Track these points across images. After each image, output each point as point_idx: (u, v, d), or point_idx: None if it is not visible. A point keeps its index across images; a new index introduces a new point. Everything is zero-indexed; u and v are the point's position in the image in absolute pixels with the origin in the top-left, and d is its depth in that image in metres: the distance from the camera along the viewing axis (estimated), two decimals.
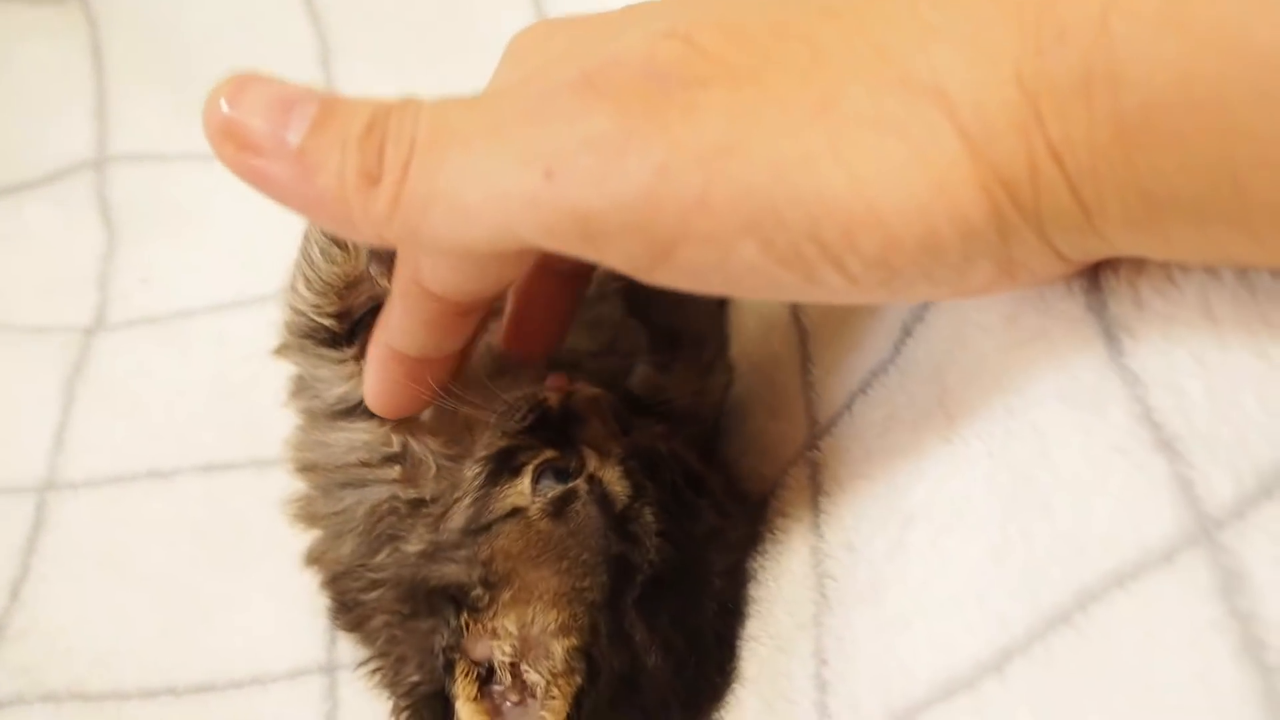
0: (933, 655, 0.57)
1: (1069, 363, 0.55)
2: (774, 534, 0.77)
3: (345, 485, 0.80)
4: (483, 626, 0.70)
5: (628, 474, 0.72)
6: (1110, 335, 0.53)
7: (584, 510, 0.71)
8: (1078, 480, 0.53)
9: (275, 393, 1.05)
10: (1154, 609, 0.47)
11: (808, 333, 0.83)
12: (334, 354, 0.79)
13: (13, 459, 1.05)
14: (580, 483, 0.73)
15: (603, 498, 0.71)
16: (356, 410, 0.80)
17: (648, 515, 0.71)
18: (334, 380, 0.80)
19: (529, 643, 0.69)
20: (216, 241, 1.25)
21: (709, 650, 0.73)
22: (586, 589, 0.69)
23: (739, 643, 0.75)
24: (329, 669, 0.88)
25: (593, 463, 0.74)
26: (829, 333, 0.80)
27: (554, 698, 0.67)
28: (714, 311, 0.91)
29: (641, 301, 0.86)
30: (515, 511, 0.72)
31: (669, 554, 0.70)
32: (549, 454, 0.74)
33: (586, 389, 0.77)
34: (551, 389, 0.77)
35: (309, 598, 0.91)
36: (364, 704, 0.83)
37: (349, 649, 0.88)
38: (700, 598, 0.73)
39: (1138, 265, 0.52)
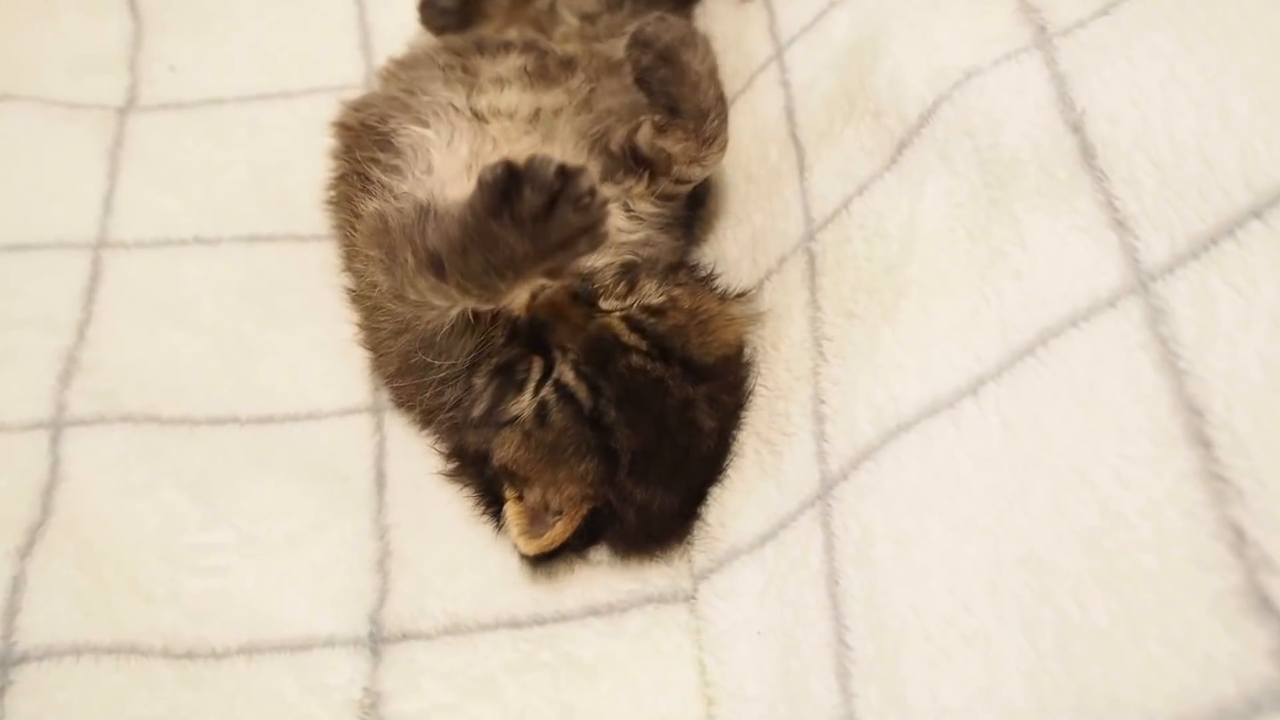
0: (920, 386, 0.74)
1: (1048, 164, 0.71)
2: (774, 311, 0.93)
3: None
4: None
5: (580, 376, 0.86)
6: (1086, 149, 0.69)
7: (559, 415, 0.86)
8: (1045, 253, 0.70)
9: (308, 178, 1.18)
10: (1099, 338, 0.64)
11: (804, 148, 0.98)
12: None
13: (66, 218, 1.15)
14: (548, 391, 0.87)
15: (570, 399, 0.86)
16: None
17: (610, 411, 0.85)
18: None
19: (549, 504, 0.88)
20: (239, 38, 1.35)
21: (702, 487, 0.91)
22: (584, 472, 0.86)
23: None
24: (375, 409, 1.02)
25: (559, 368, 0.87)
26: (826, 149, 0.95)
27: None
28: (718, 96, 0.98)
29: (648, 78, 0.98)
30: (513, 420, 0.88)
31: (642, 435, 0.85)
32: (534, 362, 0.88)
33: (546, 294, 0.88)
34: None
35: (348, 351, 1.05)
36: (410, 440, 0.98)
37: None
38: (687, 456, 0.87)
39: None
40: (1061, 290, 0.68)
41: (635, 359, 0.85)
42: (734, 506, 0.87)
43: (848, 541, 0.75)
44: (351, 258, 1.01)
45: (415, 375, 0.91)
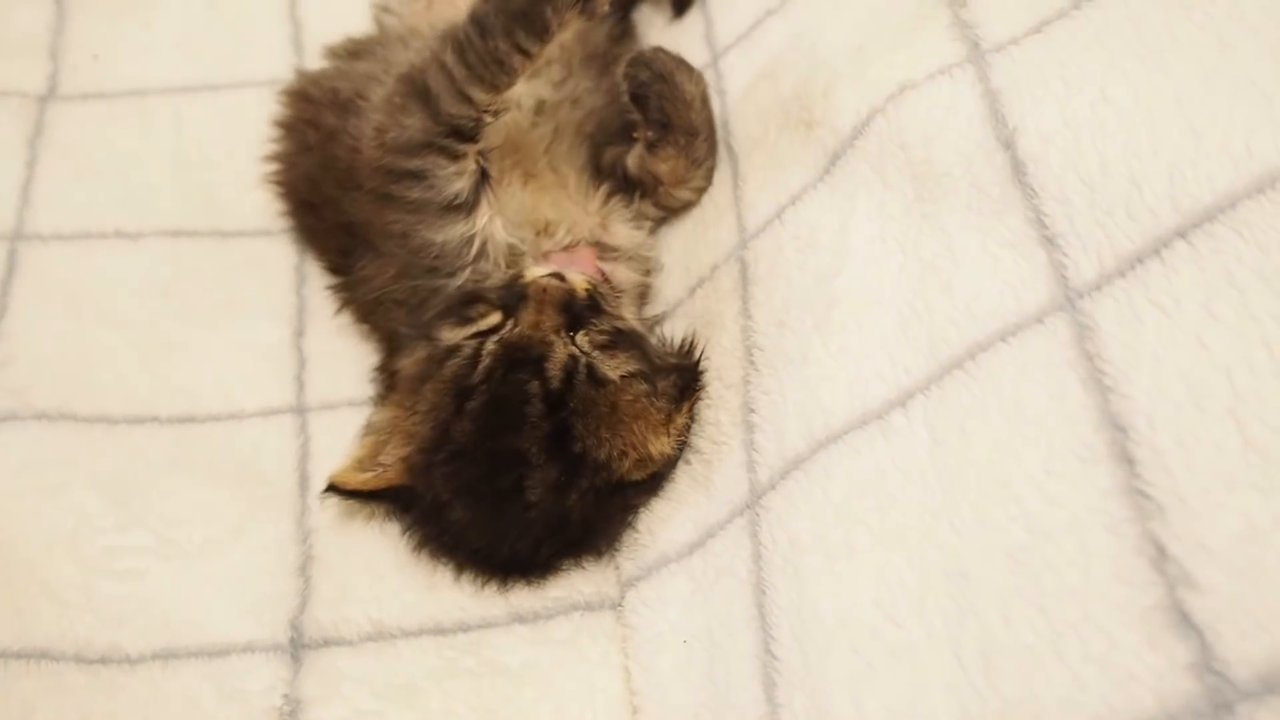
0: (850, 398, 0.74)
1: (979, 179, 0.72)
2: (705, 319, 0.93)
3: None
4: None
5: (495, 356, 0.86)
6: (1017, 166, 0.70)
7: (453, 367, 0.86)
8: (975, 267, 0.71)
9: (233, 173, 1.16)
10: (1027, 353, 0.65)
11: (738, 156, 0.99)
12: (460, 148, 0.91)
13: None
14: (472, 341, 0.87)
15: (472, 363, 0.86)
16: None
17: (475, 401, 0.84)
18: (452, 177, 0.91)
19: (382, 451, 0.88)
20: (165, 27, 1.31)
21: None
22: (420, 434, 0.86)
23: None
24: (299, 410, 1.01)
25: (499, 334, 0.87)
26: (760, 157, 0.95)
27: None
28: (708, 120, 1.02)
29: (642, 94, 0.99)
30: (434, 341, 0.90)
31: (473, 443, 0.84)
32: (491, 314, 0.89)
33: (547, 281, 0.89)
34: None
35: (272, 351, 1.03)
36: (334, 441, 0.96)
37: (318, 394, 1.01)
38: (496, 500, 0.84)
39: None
40: (991, 306, 0.69)
41: (532, 385, 0.84)
42: (663, 514, 0.87)
43: (775, 552, 0.75)
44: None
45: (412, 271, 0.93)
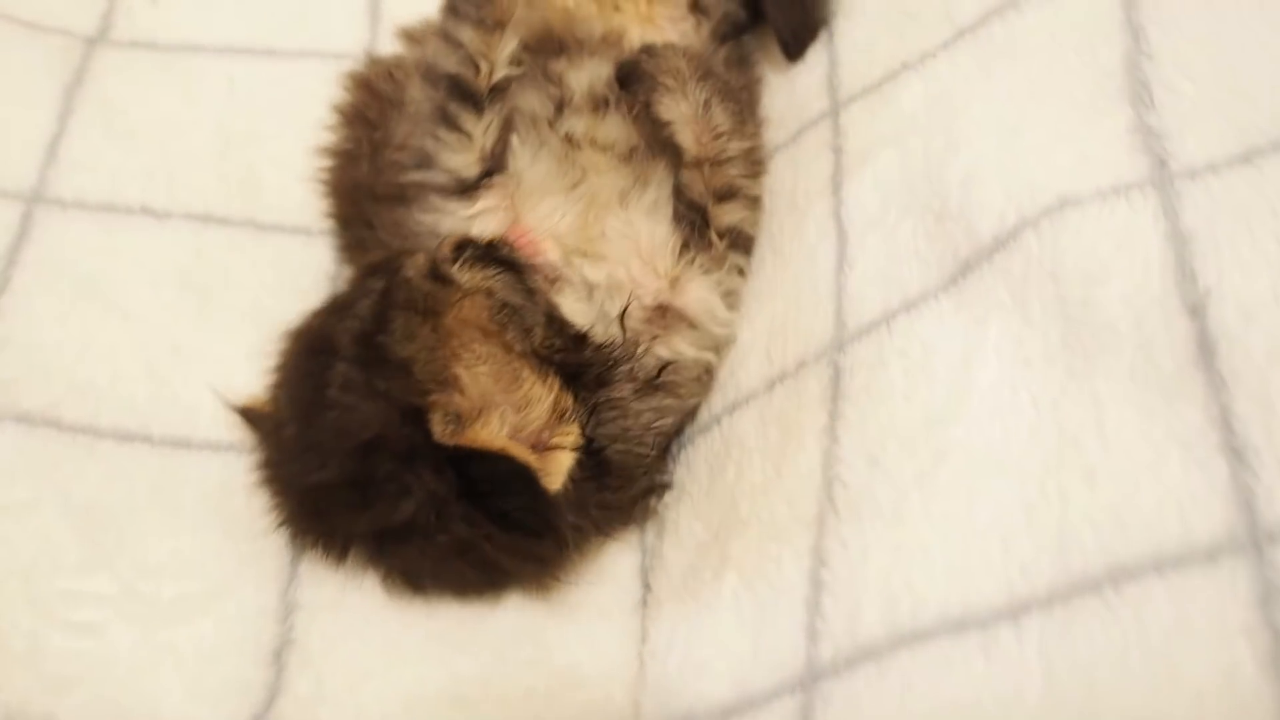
0: (947, 587, 0.60)
1: (1152, 346, 0.57)
2: (782, 425, 0.79)
3: None
4: None
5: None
6: (1205, 343, 0.55)
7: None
8: (1131, 460, 0.56)
9: (279, 154, 1.04)
10: (1190, 603, 0.50)
11: (847, 233, 0.84)
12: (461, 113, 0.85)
13: (3, 161, 1.00)
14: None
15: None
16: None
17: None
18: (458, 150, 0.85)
19: None
20: None
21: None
22: None
23: None
24: None
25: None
26: (874, 240, 0.81)
27: None
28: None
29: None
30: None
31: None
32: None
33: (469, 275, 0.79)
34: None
35: None
36: None
37: None
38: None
39: None
40: (1146, 519, 0.54)
41: (375, 281, 0.79)
42: (700, 655, 0.74)
43: None
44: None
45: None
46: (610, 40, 1.02)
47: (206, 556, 0.81)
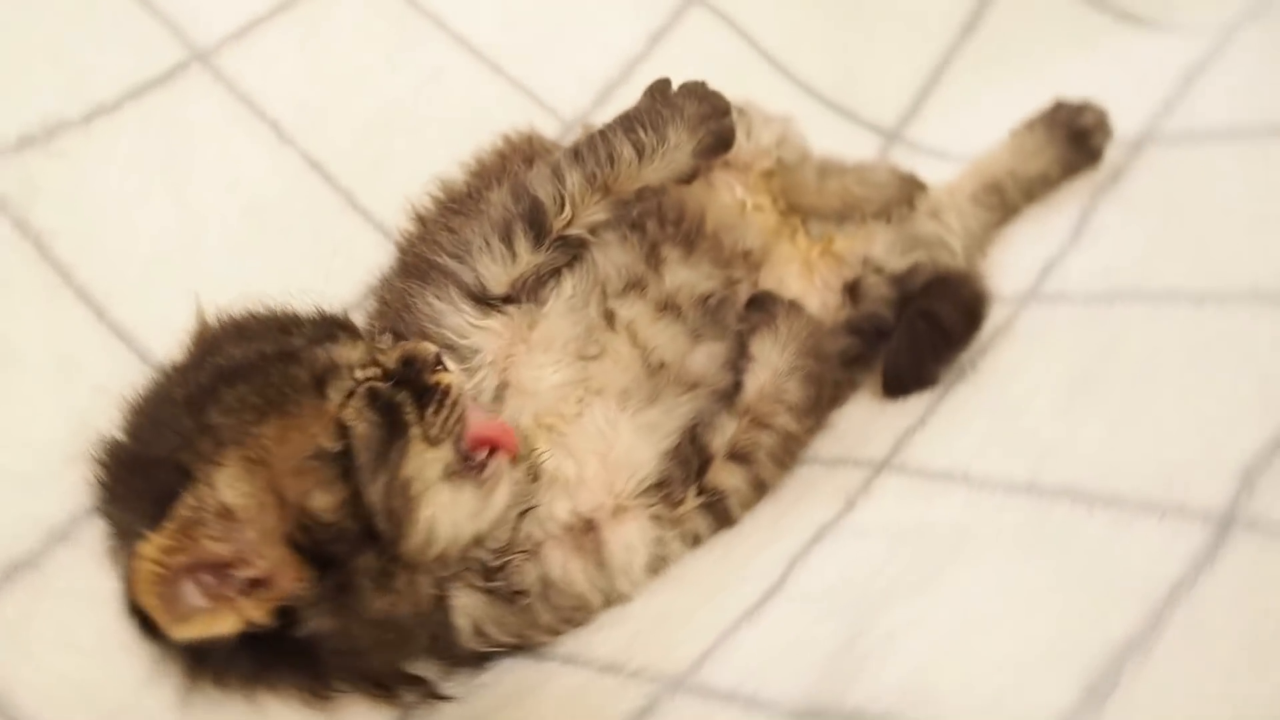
0: None
1: None
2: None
3: None
4: None
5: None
6: None
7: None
8: None
9: None
10: None
11: (780, 590, 0.76)
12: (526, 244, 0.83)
13: None
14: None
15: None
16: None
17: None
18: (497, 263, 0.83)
19: None
20: None
21: None
22: None
23: None
24: None
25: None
26: (788, 612, 0.73)
27: None
28: None
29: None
30: None
31: None
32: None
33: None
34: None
35: None
36: None
37: None
38: None
39: None
40: None
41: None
42: None
43: None
44: None
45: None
46: (749, 261, 0.97)
47: None
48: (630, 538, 0.82)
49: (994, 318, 0.96)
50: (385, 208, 1.00)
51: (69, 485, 0.74)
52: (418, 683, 0.78)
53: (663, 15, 1.22)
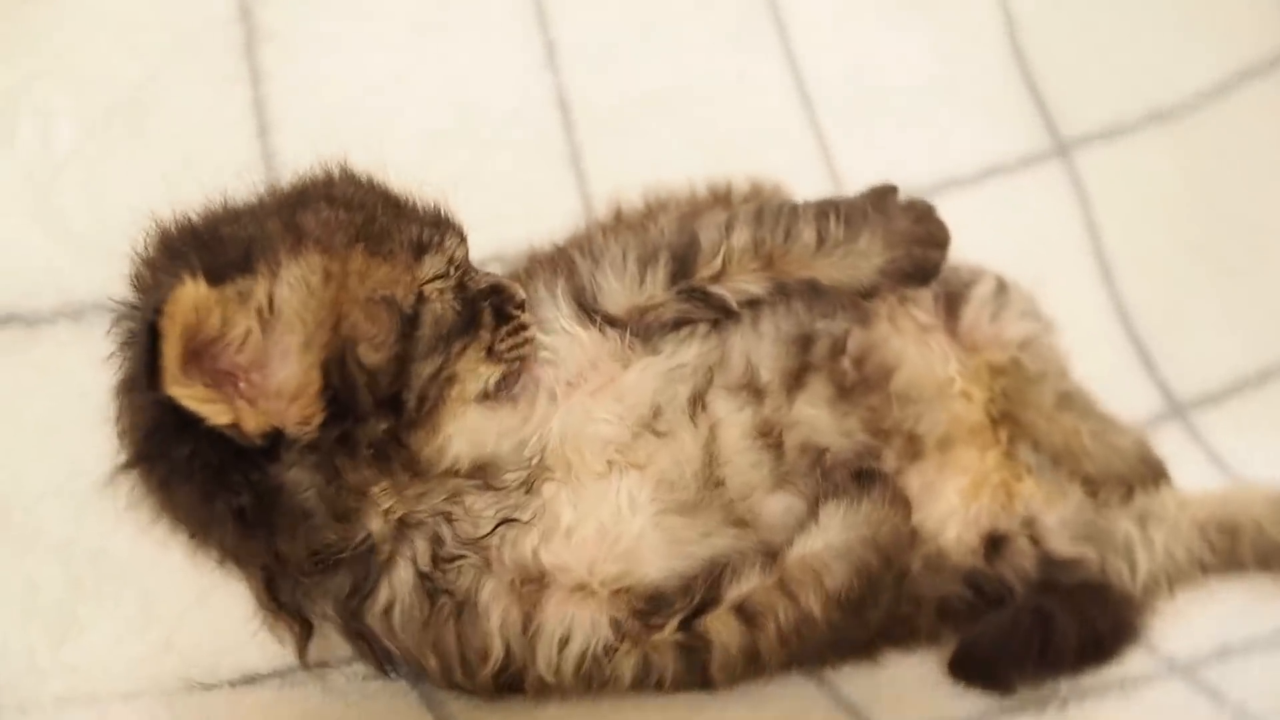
0: None
1: None
2: None
3: None
4: None
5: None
6: None
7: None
8: None
9: None
10: None
11: None
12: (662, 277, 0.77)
13: None
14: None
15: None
16: None
17: None
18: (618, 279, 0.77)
19: None
20: None
21: None
22: None
23: None
24: None
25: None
26: None
27: None
28: None
29: None
30: None
31: None
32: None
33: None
34: None
35: None
36: None
37: None
38: None
39: None
40: None
41: None
42: None
43: None
44: None
45: None
46: (912, 447, 0.84)
47: None
48: (575, 621, 0.72)
49: (1124, 666, 0.79)
50: (601, 182, 0.92)
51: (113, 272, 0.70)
52: (304, 621, 0.72)
53: (1017, 152, 1.07)
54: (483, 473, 0.70)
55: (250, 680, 0.76)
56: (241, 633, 0.74)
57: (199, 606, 0.75)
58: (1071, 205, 1.10)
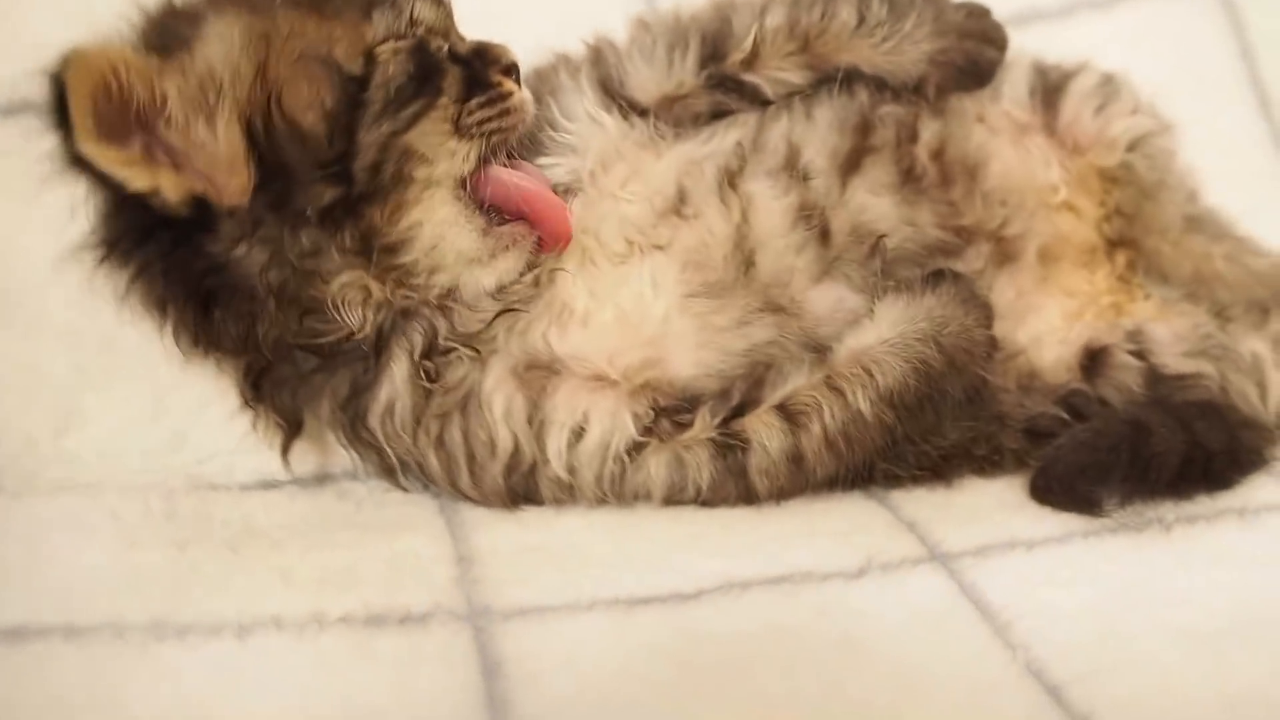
0: None
1: None
2: None
3: None
4: None
5: None
6: None
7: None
8: None
9: None
10: None
11: None
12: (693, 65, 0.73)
13: None
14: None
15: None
16: None
17: None
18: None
19: None
20: None
21: None
22: None
23: None
24: None
25: None
26: None
27: None
28: None
29: None
30: None
31: None
32: None
33: None
34: None
35: None
36: None
37: None
38: None
39: None
40: None
41: None
42: None
43: None
44: None
45: None
46: (1001, 249, 0.76)
47: None
48: (592, 411, 0.66)
49: (1246, 493, 0.67)
50: None
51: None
52: (293, 420, 0.68)
53: None
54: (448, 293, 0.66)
55: (267, 485, 0.72)
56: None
57: (220, 402, 0.71)
58: (1222, 27, 0.97)
